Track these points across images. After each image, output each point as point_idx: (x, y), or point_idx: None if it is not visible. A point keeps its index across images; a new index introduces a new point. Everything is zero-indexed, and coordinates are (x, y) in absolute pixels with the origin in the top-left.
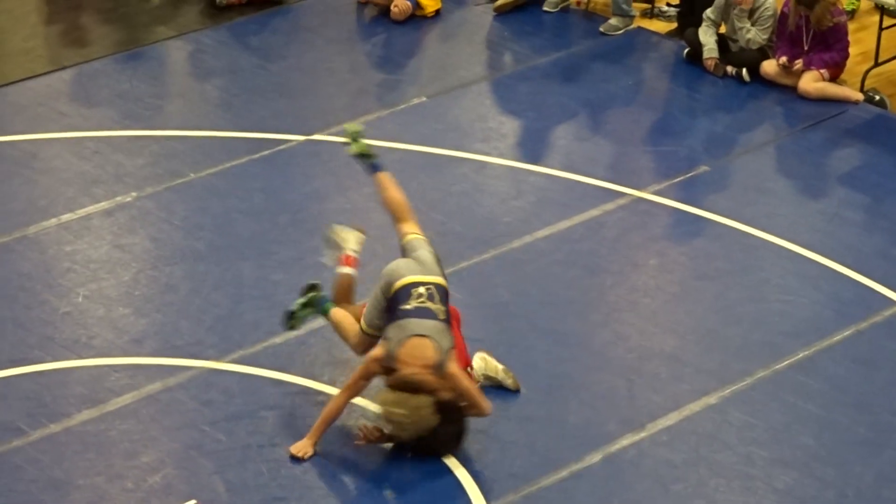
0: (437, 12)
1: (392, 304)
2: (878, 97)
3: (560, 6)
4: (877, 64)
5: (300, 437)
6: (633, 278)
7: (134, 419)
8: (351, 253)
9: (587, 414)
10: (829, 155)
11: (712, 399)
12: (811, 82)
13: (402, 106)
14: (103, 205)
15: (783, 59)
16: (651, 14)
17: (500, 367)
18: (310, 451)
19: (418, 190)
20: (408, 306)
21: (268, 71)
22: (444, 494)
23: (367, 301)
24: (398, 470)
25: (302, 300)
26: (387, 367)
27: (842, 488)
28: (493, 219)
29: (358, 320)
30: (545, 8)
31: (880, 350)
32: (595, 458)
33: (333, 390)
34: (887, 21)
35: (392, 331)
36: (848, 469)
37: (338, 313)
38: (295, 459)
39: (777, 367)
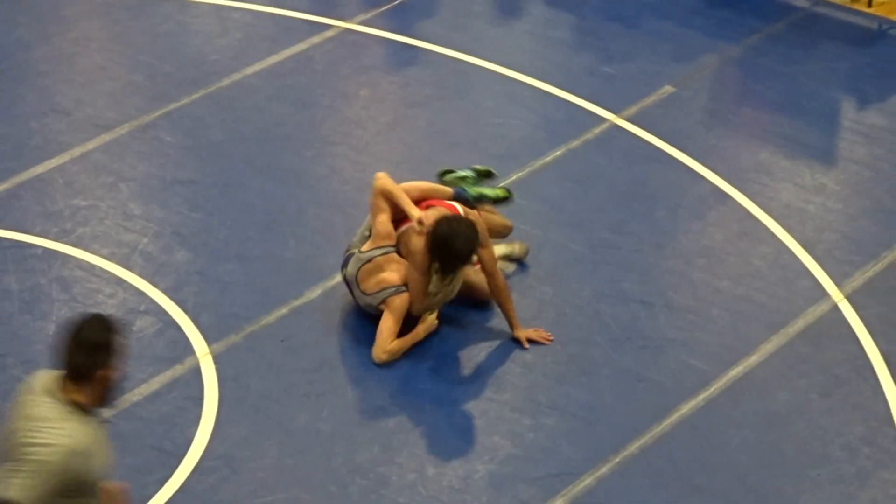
0: None
1: None
2: None
3: None
4: None
5: (11, 291)
6: (344, 110)
7: None
8: None
9: (305, 250)
10: None
11: None
12: None
13: None
14: None
15: None
16: None
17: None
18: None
19: (122, 33)
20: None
21: None
22: (164, 338)
23: None
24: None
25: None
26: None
27: (560, 307)
28: (201, 58)
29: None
30: None
31: (592, 167)
32: (315, 292)
33: (46, 242)
34: None
35: None
36: (565, 286)
37: None
38: None
39: None
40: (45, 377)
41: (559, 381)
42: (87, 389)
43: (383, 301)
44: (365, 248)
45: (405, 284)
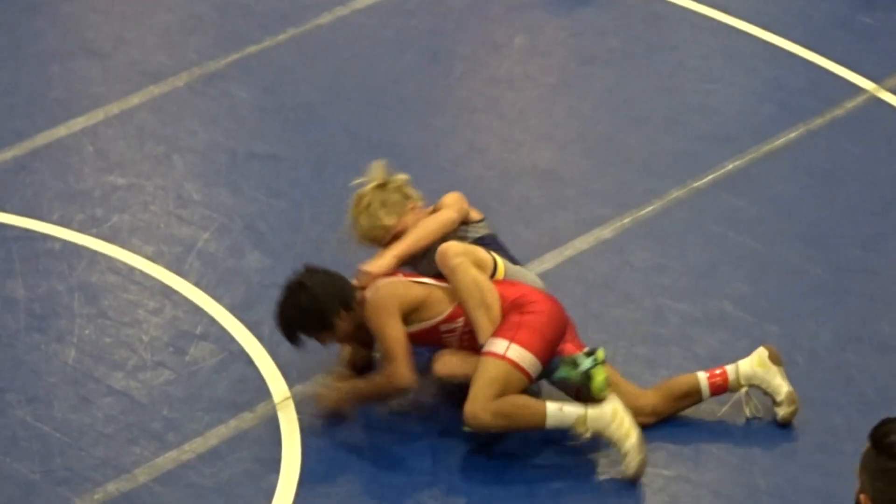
0: None
1: None
2: None
3: None
4: None
5: (16, 299)
6: (492, 65)
7: None
8: None
9: None
10: None
11: (606, 232)
12: None
13: None
14: None
15: None
16: None
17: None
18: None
19: None
20: None
21: None
22: (228, 374)
23: None
24: (178, 347)
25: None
26: None
27: (790, 353)
28: None
29: None
30: None
31: (841, 156)
32: None
33: (68, 233)
34: None
35: None
36: (798, 325)
37: None
38: None
39: (697, 184)
40: None
41: (784, 457)
42: None
43: None
44: None
45: None
